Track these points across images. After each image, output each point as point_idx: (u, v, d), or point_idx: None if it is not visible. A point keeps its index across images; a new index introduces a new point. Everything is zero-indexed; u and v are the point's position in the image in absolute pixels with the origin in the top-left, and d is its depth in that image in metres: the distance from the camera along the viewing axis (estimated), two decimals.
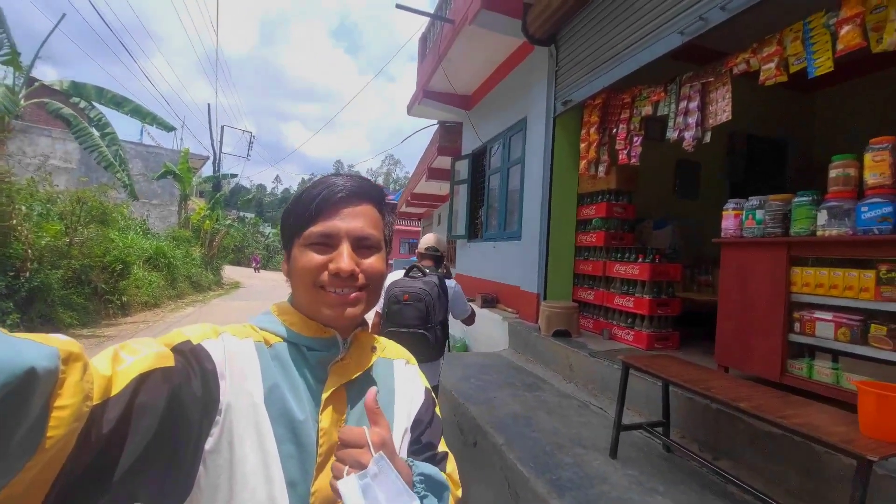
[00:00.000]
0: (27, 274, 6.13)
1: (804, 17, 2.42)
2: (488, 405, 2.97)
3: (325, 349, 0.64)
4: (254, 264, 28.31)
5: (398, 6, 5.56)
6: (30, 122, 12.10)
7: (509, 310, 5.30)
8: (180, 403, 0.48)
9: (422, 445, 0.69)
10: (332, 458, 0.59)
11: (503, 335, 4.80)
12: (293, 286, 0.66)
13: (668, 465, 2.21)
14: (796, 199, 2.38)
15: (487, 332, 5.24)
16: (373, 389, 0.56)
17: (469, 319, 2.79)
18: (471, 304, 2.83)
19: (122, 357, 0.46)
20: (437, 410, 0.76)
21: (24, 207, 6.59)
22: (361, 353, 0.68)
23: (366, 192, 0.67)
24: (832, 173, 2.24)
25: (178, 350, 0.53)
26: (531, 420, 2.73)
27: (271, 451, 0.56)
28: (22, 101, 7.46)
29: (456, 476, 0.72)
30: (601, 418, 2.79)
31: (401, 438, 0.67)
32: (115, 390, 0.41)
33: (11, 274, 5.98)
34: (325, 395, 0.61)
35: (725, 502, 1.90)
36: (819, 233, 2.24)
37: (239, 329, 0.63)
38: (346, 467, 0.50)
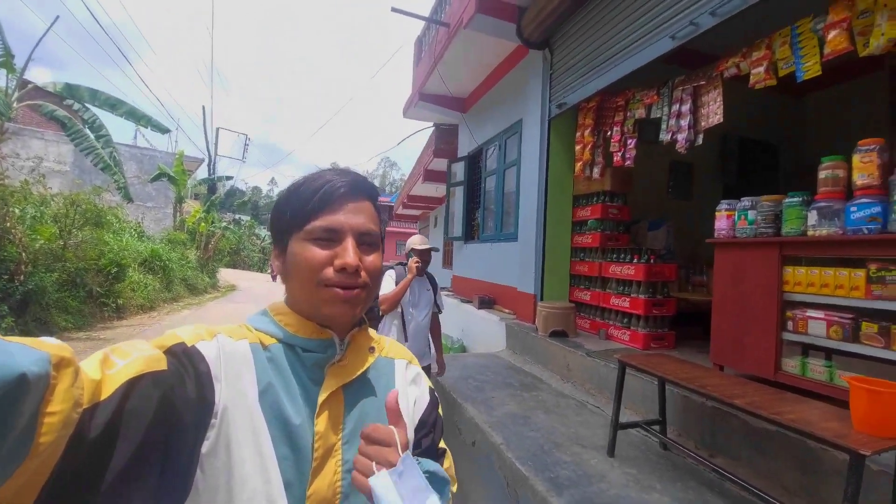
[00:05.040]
0: (21, 277, 6.08)
1: (792, 21, 2.47)
2: (486, 405, 2.99)
3: (321, 350, 0.63)
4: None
5: (394, 10, 5.60)
6: (22, 125, 12.02)
7: (506, 311, 5.32)
8: (172, 407, 0.47)
9: (423, 449, 0.69)
10: (330, 461, 0.59)
11: (501, 336, 4.82)
12: (290, 284, 0.64)
13: (666, 463, 2.24)
14: (787, 200, 2.43)
15: (485, 332, 5.26)
16: (394, 391, 0.56)
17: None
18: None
19: (112, 361, 0.45)
20: (440, 410, 0.75)
21: (17, 210, 6.54)
22: (359, 354, 0.66)
23: (365, 188, 0.67)
24: (821, 174, 2.28)
25: (171, 352, 0.51)
26: (529, 419, 2.75)
27: (268, 452, 0.55)
28: (15, 104, 7.40)
29: (453, 472, 0.72)
30: (599, 417, 2.82)
31: None
32: (103, 395, 0.41)
33: (6, 277, 5.93)
34: (321, 398, 0.60)
35: (722, 499, 1.92)
36: (810, 233, 2.28)
37: (234, 330, 0.61)
38: (374, 463, 0.51)
